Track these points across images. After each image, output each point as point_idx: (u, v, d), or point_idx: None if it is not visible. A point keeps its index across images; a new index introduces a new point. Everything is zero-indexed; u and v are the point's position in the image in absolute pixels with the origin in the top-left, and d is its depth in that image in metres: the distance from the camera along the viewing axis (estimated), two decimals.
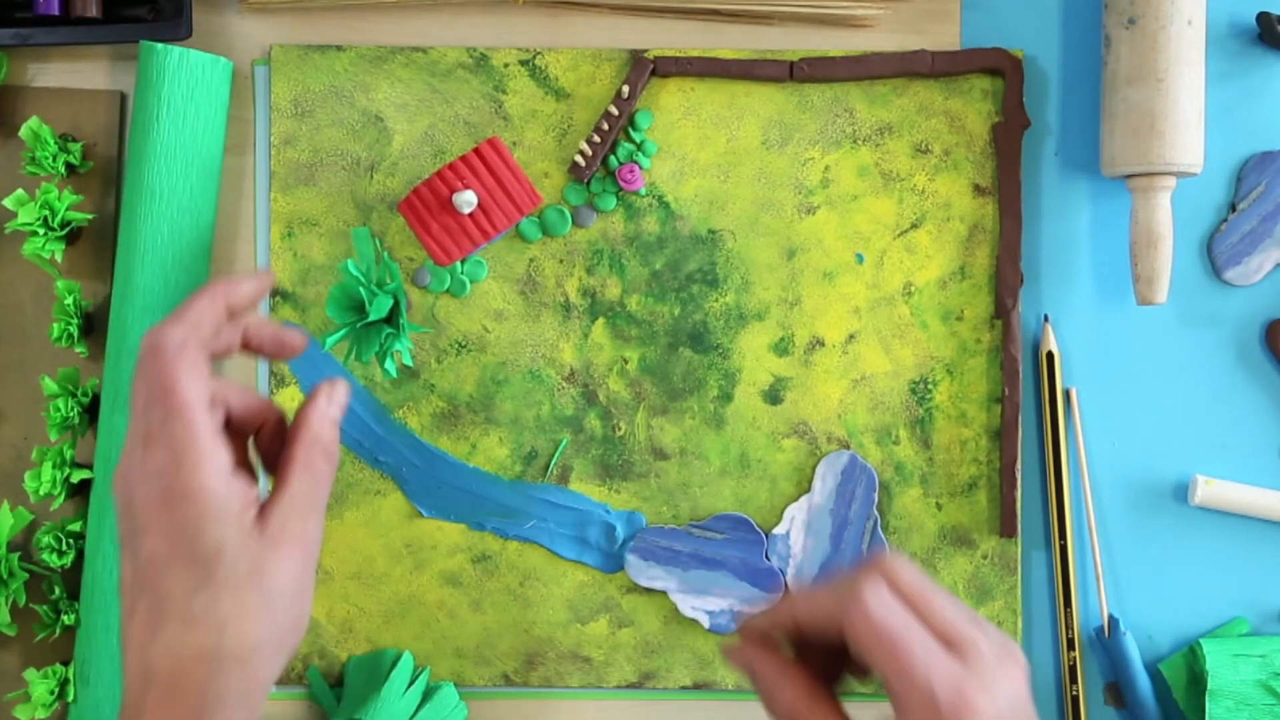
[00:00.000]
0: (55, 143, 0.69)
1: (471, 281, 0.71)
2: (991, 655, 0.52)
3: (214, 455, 0.54)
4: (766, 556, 0.71)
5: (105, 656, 0.68)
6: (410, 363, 0.71)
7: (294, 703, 0.71)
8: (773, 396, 0.71)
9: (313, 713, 0.71)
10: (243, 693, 0.55)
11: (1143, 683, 0.70)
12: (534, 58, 0.71)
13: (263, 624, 0.55)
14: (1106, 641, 0.71)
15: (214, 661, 0.54)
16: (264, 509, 0.55)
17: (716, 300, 0.71)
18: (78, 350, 0.70)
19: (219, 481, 0.54)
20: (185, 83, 0.67)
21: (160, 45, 0.67)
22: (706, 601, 0.70)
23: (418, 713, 0.69)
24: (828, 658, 0.57)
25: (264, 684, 0.56)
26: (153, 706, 0.54)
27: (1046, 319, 0.71)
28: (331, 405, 0.59)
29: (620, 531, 0.71)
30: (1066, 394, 0.71)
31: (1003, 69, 0.70)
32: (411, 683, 0.69)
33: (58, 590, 0.69)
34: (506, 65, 0.71)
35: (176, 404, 0.54)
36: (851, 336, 0.71)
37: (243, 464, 0.58)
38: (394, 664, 0.69)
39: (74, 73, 0.71)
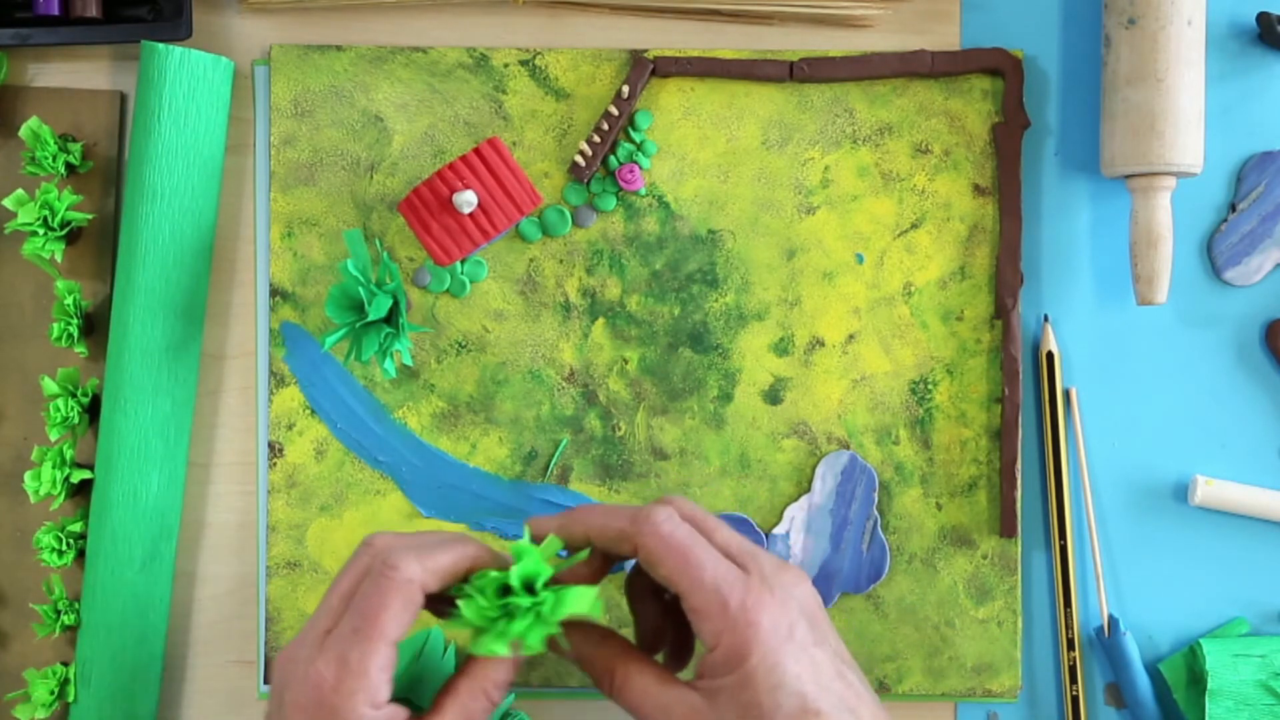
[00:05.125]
0: (55, 143, 0.69)
1: (471, 281, 0.71)
2: (770, 564, 0.57)
3: (375, 690, 0.55)
4: None
5: (105, 656, 0.68)
6: (410, 362, 0.71)
7: None
8: (773, 396, 0.71)
9: None
10: None
11: (1143, 683, 0.70)
12: (534, 58, 0.71)
13: None
14: (1106, 641, 0.71)
15: None
16: None
17: (716, 300, 0.71)
18: (78, 350, 0.70)
19: (370, 711, 0.55)
20: (187, 83, 0.67)
21: (162, 46, 0.67)
22: None
23: None
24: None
25: None
26: None
27: (1046, 319, 0.71)
28: (506, 672, 0.59)
29: None
30: (1066, 394, 0.71)
31: (1003, 69, 0.70)
32: (445, 656, 0.69)
33: (58, 590, 0.69)
34: (506, 65, 0.71)
35: (370, 631, 0.56)
36: (851, 336, 0.71)
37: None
38: (425, 642, 0.69)
39: (74, 73, 0.71)
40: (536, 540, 0.59)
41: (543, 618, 0.56)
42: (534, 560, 0.57)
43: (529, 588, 0.57)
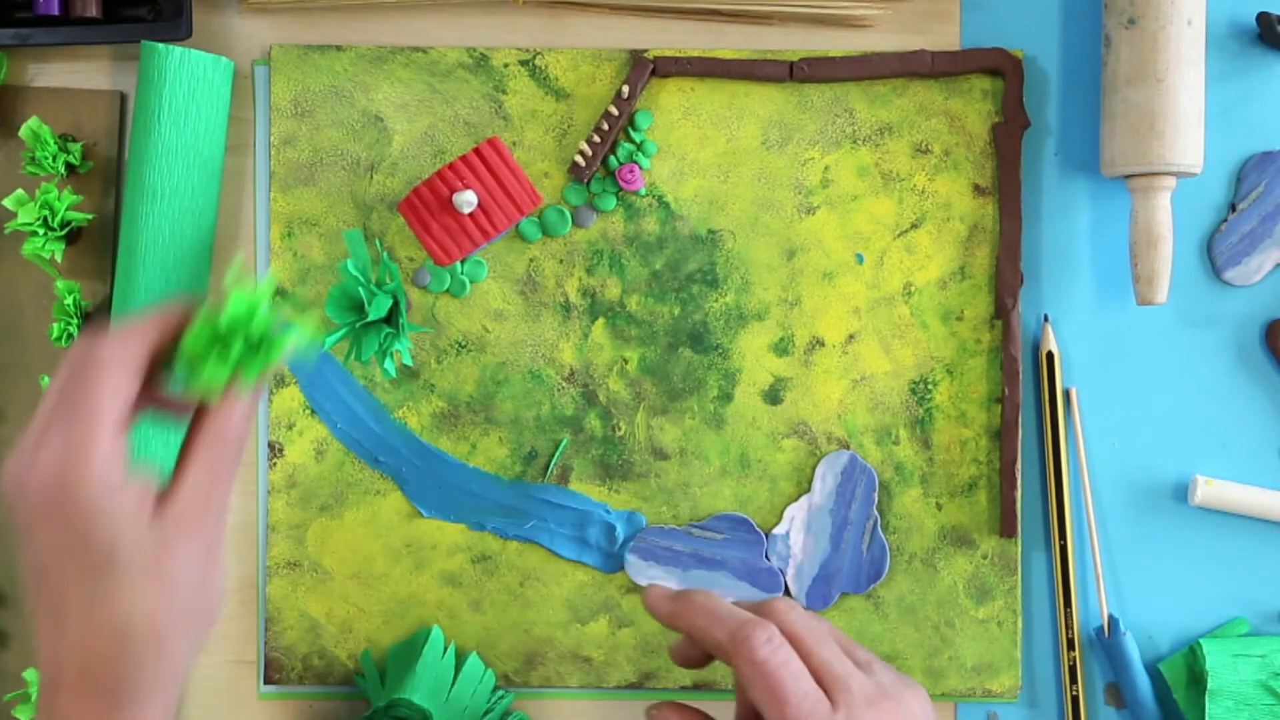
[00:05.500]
0: (55, 143, 0.69)
1: (471, 281, 0.71)
2: (861, 696, 0.57)
3: (105, 457, 0.53)
4: (766, 556, 0.71)
5: None
6: (410, 362, 0.71)
7: (343, 702, 0.72)
8: (773, 396, 0.71)
9: (357, 710, 0.71)
10: (155, 682, 0.54)
11: (1143, 683, 0.70)
12: (534, 58, 0.71)
13: (168, 611, 0.54)
14: (1106, 641, 0.71)
15: (120, 655, 0.53)
16: (164, 498, 0.54)
17: (716, 300, 0.71)
18: None
19: (110, 484, 0.53)
20: (187, 83, 0.67)
21: (161, 45, 0.67)
22: None
23: (455, 683, 0.69)
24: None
25: (176, 672, 0.55)
26: (67, 703, 0.54)
27: (1046, 319, 0.71)
28: (241, 398, 0.57)
29: (620, 531, 0.71)
30: (1066, 394, 0.71)
31: (1003, 69, 0.70)
32: (445, 655, 0.69)
33: None
34: (506, 65, 0.71)
35: (86, 410, 0.53)
36: (851, 336, 0.71)
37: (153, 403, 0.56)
38: (425, 641, 0.69)
39: (74, 73, 0.71)
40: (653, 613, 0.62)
41: (262, 356, 0.55)
42: (247, 302, 0.55)
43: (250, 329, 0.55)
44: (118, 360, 0.54)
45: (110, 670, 0.54)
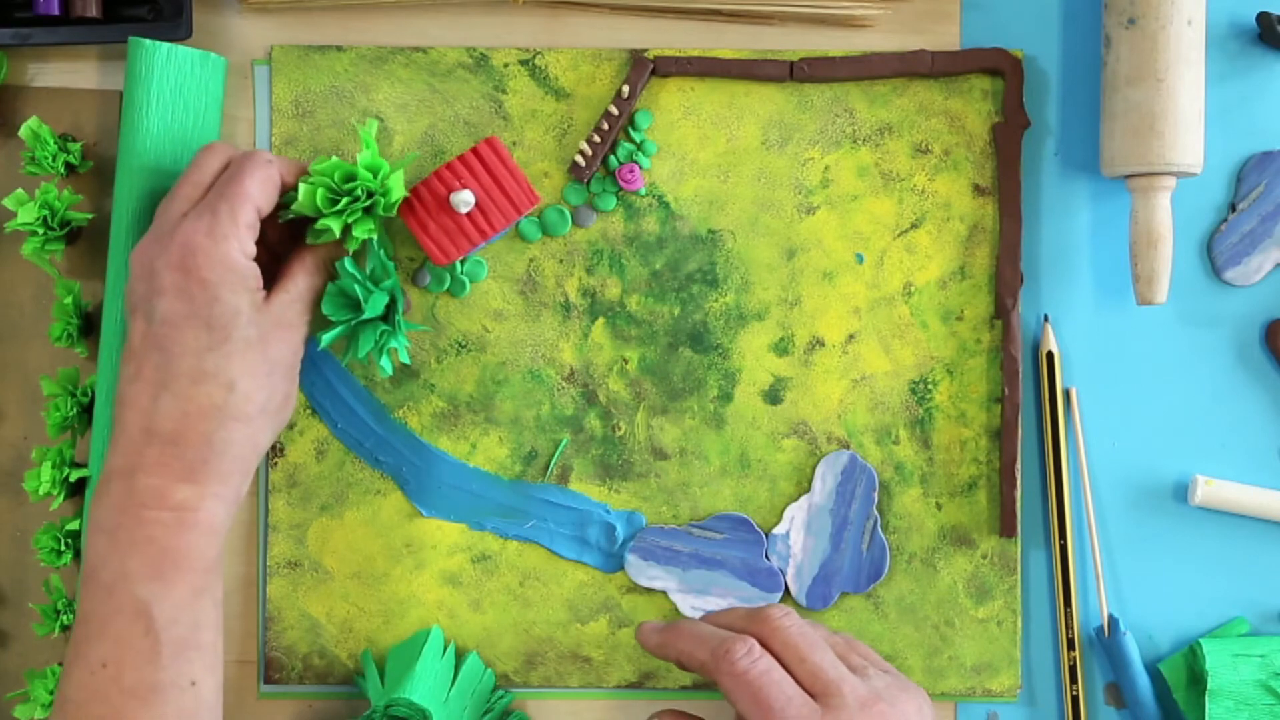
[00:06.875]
0: (55, 143, 0.69)
1: (471, 281, 0.71)
2: (855, 701, 0.58)
3: (243, 239, 0.61)
4: (766, 556, 0.71)
5: None
6: (407, 360, 0.71)
7: (343, 702, 0.72)
8: (773, 396, 0.71)
9: (357, 710, 0.71)
10: (241, 454, 0.61)
11: (1143, 683, 0.70)
12: (534, 58, 0.71)
13: (264, 389, 0.61)
14: (1106, 641, 0.71)
15: (219, 418, 0.60)
16: (269, 295, 0.62)
17: (716, 300, 0.71)
18: (78, 350, 0.70)
19: (242, 257, 0.61)
20: (174, 79, 0.66)
21: (149, 42, 0.66)
22: (706, 601, 0.70)
23: (455, 682, 0.69)
24: None
25: (259, 450, 0.62)
26: (153, 460, 0.59)
27: (1046, 319, 0.72)
28: (335, 250, 0.65)
29: (620, 531, 0.71)
30: (1066, 394, 0.71)
31: (1003, 69, 0.70)
32: (445, 655, 0.69)
33: (57, 590, 0.69)
34: (506, 65, 0.71)
35: (236, 190, 0.61)
36: (851, 336, 0.71)
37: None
38: (425, 640, 0.69)
39: (74, 73, 0.71)
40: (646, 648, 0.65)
41: (373, 210, 0.64)
42: (374, 152, 0.64)
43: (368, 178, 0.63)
44: (274, 167, 0.63)
45: (202, 437, 0.60)
